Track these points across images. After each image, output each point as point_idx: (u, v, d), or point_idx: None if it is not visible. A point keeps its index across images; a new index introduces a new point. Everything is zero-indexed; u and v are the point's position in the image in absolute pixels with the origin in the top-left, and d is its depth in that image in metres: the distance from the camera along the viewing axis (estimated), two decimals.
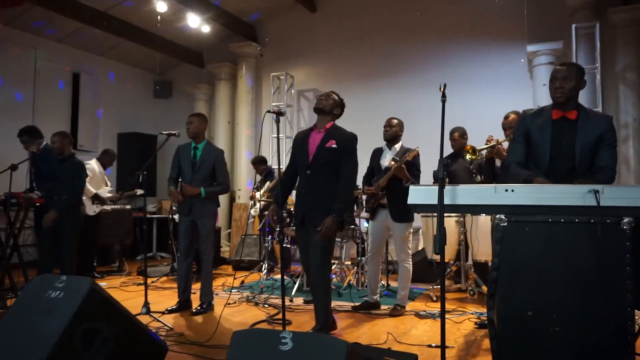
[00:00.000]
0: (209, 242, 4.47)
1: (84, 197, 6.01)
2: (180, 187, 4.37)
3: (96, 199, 6.16)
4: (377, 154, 4.56)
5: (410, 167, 4.21)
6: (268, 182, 6.64)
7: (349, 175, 3.48)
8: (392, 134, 4.45)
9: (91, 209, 6.15)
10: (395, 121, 4.48)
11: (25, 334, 2.29)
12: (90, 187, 6.10)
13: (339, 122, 3.66)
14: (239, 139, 8.70)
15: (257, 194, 6.55)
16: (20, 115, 7.04)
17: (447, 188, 2.25)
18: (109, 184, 6.56)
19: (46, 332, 2.23)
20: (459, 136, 5.01)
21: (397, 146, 4.46)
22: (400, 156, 4.28)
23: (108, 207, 6.53)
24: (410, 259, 4.43)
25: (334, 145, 3.44)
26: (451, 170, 4.91)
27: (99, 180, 6.34)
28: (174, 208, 6.35)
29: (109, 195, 6.37)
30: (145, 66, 9.30)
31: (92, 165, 6.32)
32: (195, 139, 4.46)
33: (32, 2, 6.48)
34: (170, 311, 4.35)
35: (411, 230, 4.42)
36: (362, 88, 8.00)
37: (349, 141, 3.50)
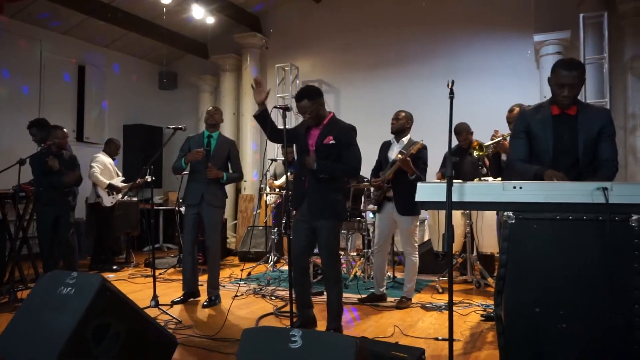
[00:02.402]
0: (215, 233, 4.47)
1: (99, 190, 6.08)
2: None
3: (111, 188, 6.20)
4: (385, 146, 4.56)
5: (416, 160, 4.20)
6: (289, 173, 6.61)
7: (349, 164, 3.45)
8: (399, 126, 4.44)
9: (108, 200, 6.20)
10: (403, 114, 4.46)
11: (37, 330, 2.32)
12: (102, 178, 6.14)
13: (342, 114, 3.61)
14: (245, 130, 8.68)
15: (276, 182, 6.55)
16: (27, 108, 7.07)
17: (455, 185, 2.25)
18: (119, 174, 6.59)
19: (58, 328, 2.25)
20: (467, 134, 5.00)
21: (405, 139, 4.45)
22: (407, 149, 4.28)
23: (124, 197, 6.55)
24: (417, 252, 4.44)
25: (332, 141, 3.43)
26: (456, 163, 4.89)
27: (110, 172, 6.38)
28: (181, 200, 6.38)
29: (123, 185, 6.40)
30: (150, 58, 9.29)
31: (101, 158, 6.36)
32: (213, 128, 4.53)
33: None
34: (176, 303, 4.40)
35: (417, 223, 4.43)
36: (367, 78, 7.97)
37: (346, 134, 3.47)
